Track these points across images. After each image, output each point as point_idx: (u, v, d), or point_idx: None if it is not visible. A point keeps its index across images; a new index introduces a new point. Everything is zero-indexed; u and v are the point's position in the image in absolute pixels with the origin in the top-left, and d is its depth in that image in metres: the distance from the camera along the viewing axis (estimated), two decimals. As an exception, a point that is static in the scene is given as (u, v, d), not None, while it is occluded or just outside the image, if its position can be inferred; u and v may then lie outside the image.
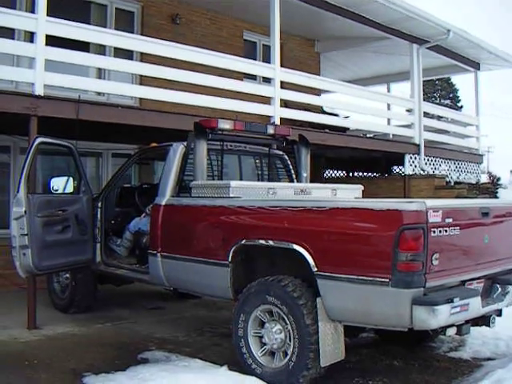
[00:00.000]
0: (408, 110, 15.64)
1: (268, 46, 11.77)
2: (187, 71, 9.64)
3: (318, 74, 15.59)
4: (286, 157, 8.30)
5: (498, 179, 18.71)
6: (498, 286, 5.73)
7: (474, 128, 17.65)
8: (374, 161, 16.43)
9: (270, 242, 5.64)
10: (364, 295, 4.95)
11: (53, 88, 8.33)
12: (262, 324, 5.68)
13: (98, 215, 8.10)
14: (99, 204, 8.12)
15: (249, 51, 14.74)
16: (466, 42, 14.88)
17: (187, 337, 7.46)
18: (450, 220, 4.99)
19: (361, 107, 13.59)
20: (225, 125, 7.03)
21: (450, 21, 13.90)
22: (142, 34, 11.78)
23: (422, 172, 14.57)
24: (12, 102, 7.61)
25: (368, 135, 15.62)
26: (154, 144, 8.00)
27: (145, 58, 11.11)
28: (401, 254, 4.70)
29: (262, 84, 13.25)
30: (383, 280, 4.78)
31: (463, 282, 5.31)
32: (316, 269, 5.21)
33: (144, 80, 11.43)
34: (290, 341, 5.39)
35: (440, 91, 52.78)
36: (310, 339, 5.22)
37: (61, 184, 7.90)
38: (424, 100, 15.29)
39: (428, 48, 14.64)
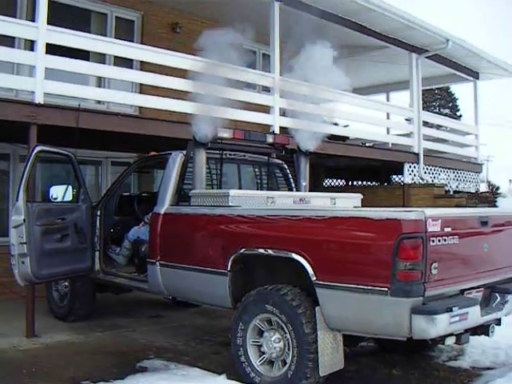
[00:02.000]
0: (407, 119, 15.69)
1: (268, 55, 11.79)
2: (187, 80, 9.65)
3: (318, 83, 15.58)
4: (285, 166, 8.32)
5: (498, 188, 18.76)
6: (497, 294, 5.73)
7: (473, 137, 17.66)
8: (373, 170, 16.45)
9: (269, 251, 5.64)
10: (363, 304, 4.95)
11: (53, 96, 8.34)
12: (260, 333, 5.68)
13: (97, 224, 8.10)
14: (98, 212, 8.12)
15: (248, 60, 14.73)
16: (465, 51, 14.91)
17: (186, 345, 7.45)
18: (449, 229, 4.99)
19: (360, 116, 13.59)
20: (224, 133, 7.05)
21: (449, 30, 13.96)
22: (141, 43, 11.81)
23: (421, 181, 14.58)
24: (12, 109, 7.62)
25: (367, 144, 15.64)
26: (153, 153, 8.01)
27: (145, 66, 11.12)
28: (400, 263, 4.70)
29: (261, 93, 13.26)
30: (382, 289, 4.78)
31: (462, 291, 5.31)
32: (315, 278, 5.22)
33: (144, 88, 11.45)
34: (288, 350, 5.39)
35: (439, 100, 52.88)
36: (308, 348, 5.21)
37: (60, 192, 7.91)
38: (423, 109, 15.32)
39: (427, 57, 14.67)
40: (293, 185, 8.25)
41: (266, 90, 11.85)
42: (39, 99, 7.77)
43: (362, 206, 7.43)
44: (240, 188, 7.96)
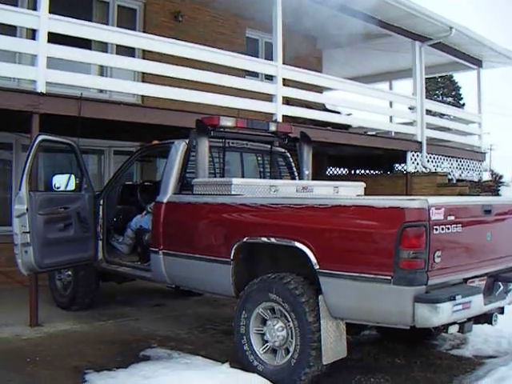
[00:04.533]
0: (410, 108, 15.64)
1: (270, 43, 11.76)
2: (189, 68, 9.64)
3: (320, 72, 15.57)
4: (288, 154, 8.30)
5: (501, 177, 18.63)
6: (500, 283, 5.73)
7: (477, 126, 17.64)
8: (376, 158, 16.43)
9: (272, 240, 5.64)
10: (366, 293, 4.94)
11: (55, 85, 8.33)
12: (263, 321, 5.68)
13: (100, 213, 8.09)
14: (101, 201, 8.11)
15: (251, 48, 14.73)
16: (468, 39, 14.85)
17: (189, 334, 7.46)
18: (452, 217, 4.98)
19: (363, 105, 13.57)
20: (227, 122, 7.03)
21: (453, 18, 13.90)
22: (144, 32, 11.77)
23: (424, 170, 14.56)
24: (14, 99, 7.61)
25: (370, 133, 15.61)
26: (155, 141, 8.00)
27: (147, 55, 11.10)
28: (403, 252, 4.69)
29: (264, 81, 13.24)
30: (385, 277, 4.77)
31: (465, 280, 5.30)
32: (318, 266, 5.21)
33: (146, 77, 11.44)
34: (291, 338, 5.39)
35: (442, 89, 52.71)
36: (312, 336, 5.22)
37: (63, 181, 7.91)
38: (426, 98, 15.27)
39: (430, 45, 14.63)
40: (295, 173, 8.24)
41: (269, 78, 11.82)
42: (41, 88, 7.76)
43: (365, 195, 7.42)
44: (243, 176, 7.95)
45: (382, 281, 4.80)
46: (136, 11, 12.91)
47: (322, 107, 14.36)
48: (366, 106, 13.72)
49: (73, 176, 7.96)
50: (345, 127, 13.75)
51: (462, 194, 13.01)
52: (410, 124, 15.02)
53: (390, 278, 4.75)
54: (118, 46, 10.77)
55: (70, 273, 8.55)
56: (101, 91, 11.45)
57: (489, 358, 6.48)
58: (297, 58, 14.37)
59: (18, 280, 9.03)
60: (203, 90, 9.83)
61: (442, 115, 17.58)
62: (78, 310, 8.50)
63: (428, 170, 14.63)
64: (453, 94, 52.77)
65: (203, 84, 9.87)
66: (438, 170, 15.07)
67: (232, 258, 5.99)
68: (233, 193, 6.27)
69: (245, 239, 5.88)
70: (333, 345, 5.30)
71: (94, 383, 5.50)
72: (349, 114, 15.23)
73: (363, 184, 7.66)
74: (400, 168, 16.64)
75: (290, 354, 5.39)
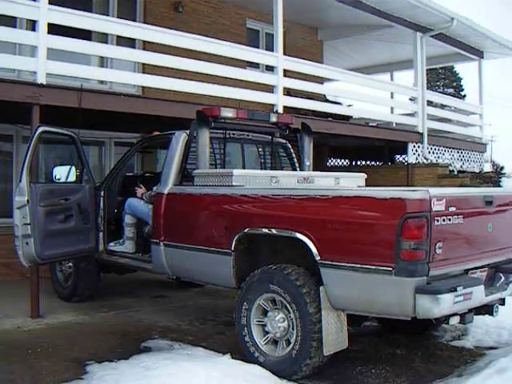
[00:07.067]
0: (411, 99, 15.61)
1: (271, 34, 11.73)
2: (190, 59, 9.61)
3: (321, 63, 15.53)
4: (289, 145, 8.28)
5: (502, 168, 18.69)
6: (502, 274, 5.73)
7: (478, 117, 17.62)
8: (377, 149, 16.42)
9: (273, 231, 5.63)
10: (367, 284, 4.94)
11: (55, 77, 8.31)
12: (265, 312, 5.68)
13: (101, 204, 8.08)
14: (102, 193, 8.11)
15: (252, 39, 14.70)
16: (469, 30, 14.81)
17: (190, 325, 7.47)
18: (454, 209, 4.97)
19: (364, 96, 13.54)
20: (227, 113, 7.02)
21: (455, 9, 13.85)
22: (144, 23, 11.74)
23: (425, 161, 14.55)
24: (14, 90, 7.59)
25: (371, 124, 15.59)
26: (156, 132, 7.98)
27: (147, 46, 11.07)
28: (404, 243, 4.69)
29: (264, 72, 13.21)
30: (386, 269, 4.77)
31: (466, 271, 5.30)
32: (319, 257, 5.20)
33: (146, 68, 11.41)
34: (292, 329, 5.39)
35: (443, 80, 52.64)
36: (313, 328, 5.22)
37: (63, 173, 7.90)
38: (427, 89, 15.24)
39: (432, 36, 14.58)
40: (296, 164, 8.23)
41: (270, 69, 11.80)
42: (41, 80, 7.74)
43: (366, 186, 7.41)
44: (244, 167, 7.94)
45: (383, 272, 4.79)
46: (136, 2, 12.86)
47: (322, 98, 14.34)
48: (366, 97, 13.68)
49: (73, 167, 7.95)
50: (346, 118, 13.72)
51: (463, 186, 13.00)
52: (411, 115, 14.98)
53: (391, 269, 4.74)
54: (118, 36, 10.74)
55: (70, 264, 8.55)
56: (101, 82, 11.43)
57: (490, 349, 6.48)
58: (298, 48, 14.37)
59: (19, 272, 9.03)
60: (204, 81, 9.80)
61: (443, 106, 17.55)
62: (79, 302, 8.50)
63: (429, 161, 14.62)
64: (454, 85, 52.70)
65: (204, 75, 9.84)
66: (439, 161, 15.07)
67: (233, 249, 5.99)
68: (234, 184, 6.26)
69: (246, 230, 5.87)
70: (334, 336, 5.31)
71: (95, 374, 5.48)
72: (349, 105, 15.21)
73: (364, 175, 7.65)
74: (401, 159, 16.64)
75: (291, 345, 5.40)
